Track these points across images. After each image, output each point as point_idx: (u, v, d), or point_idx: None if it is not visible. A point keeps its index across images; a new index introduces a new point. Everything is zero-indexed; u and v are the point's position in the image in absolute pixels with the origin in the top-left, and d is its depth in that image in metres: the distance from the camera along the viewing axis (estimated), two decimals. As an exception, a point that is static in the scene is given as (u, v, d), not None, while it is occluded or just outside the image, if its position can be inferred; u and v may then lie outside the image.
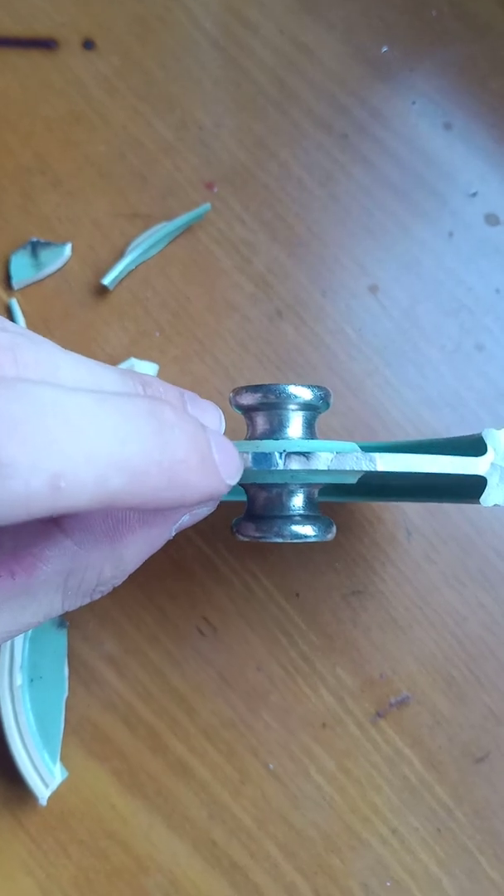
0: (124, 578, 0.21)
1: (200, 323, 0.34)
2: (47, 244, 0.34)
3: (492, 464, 0.23)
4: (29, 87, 0.37)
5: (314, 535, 0.25)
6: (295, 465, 0.22)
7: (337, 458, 0.22)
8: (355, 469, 0.22)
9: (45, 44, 0.37)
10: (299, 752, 0.31)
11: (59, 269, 0.34)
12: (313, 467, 0.22)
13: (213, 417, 0.22)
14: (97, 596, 0.21)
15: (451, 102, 0.37)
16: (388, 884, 0.30)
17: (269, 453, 0.22)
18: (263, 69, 0.37)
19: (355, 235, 0.35)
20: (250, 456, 0.22)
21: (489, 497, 0.23)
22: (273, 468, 0.22)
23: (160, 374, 0.33)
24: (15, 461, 0.15)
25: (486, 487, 0.23)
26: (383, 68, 0.37)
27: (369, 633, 0.32)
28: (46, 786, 0.28)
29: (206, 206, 0.35)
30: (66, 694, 0.30)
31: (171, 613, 0.32)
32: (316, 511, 0.26)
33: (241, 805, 0.30)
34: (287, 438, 0.25)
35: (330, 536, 0.25)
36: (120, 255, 0.34)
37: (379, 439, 0.33)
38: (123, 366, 0.32)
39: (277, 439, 0.25)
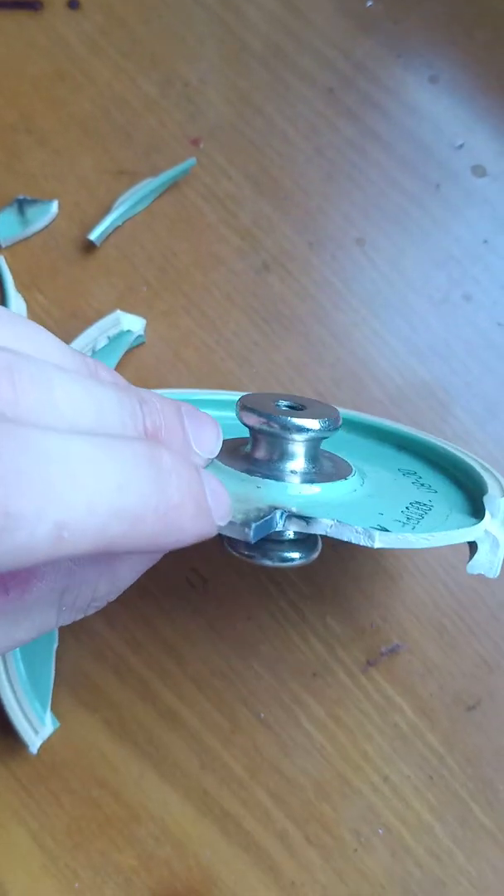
0: (119, 594, 0.21)
1: (187, 277, 0.34)
2: (34, 201, 0.34)
3: (485, 531, 0.23)
4: (14, 47, 0.37)
5: (300, 559, 0.24)
6: (293, 526, 0.22)
7: (336, 526, 0.22)
8: (352, 541, 0.22)
9: (30, 4, 0.37)
10: (290, 701, 0.31)
11: (46, 227, 0.34)
12: (311, 531, 0.22)
13: (210, 434, 0.21)
14: (91, 611, 0.21)
15: (436, 55, 0.37)
16: (381, 831, 0.30)
17: (270, 518, 0.22)
18: (247, 25, 0.37)
19: (341, 188, 0.35)
20: (252, 527, 0.21)
21: (475, 565, 0.22)
22: (272, 529, 0.22)
23: (147, 329, 0.33)
24: (21, 512, 0.15)
25: (476, 554, 0.22)
26: (368, 22, 0.37)
27: (359, 583, 0.31)
28: (37, 734, 0.28)
29: (192, 160, 0.35)
30: (56, 644, 0.30)
31: (160, 564, 0.31)
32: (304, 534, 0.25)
33: (231, 754, 0.30)
34: (289, 473, 0.25)
35: (314, 555, 0.25)
36: (106, 211, 0.34)
37: (367, 390, 0.33)
38: (108, 319, 0.32)
39: (279, 468, 0.25)
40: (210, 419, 0.22)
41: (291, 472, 0.25)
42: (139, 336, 0.33)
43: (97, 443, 0.17)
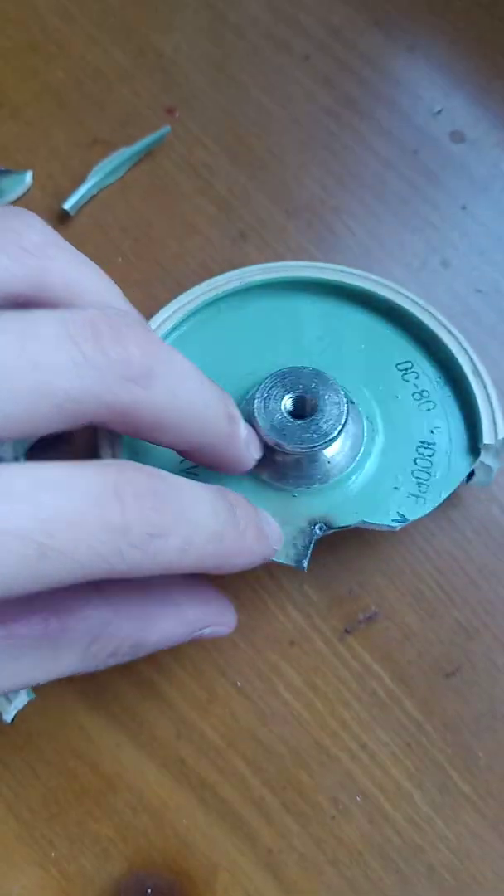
0: (131, 659, 0.24)
1: (163, 247, 0.34)
2: (7, 172, 0.34)
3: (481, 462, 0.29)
4: (-15, 19, 0.36)
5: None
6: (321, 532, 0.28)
7: (362, 524, 0.28)
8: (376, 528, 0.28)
9: (2, -25, 0.37)
10: (267, 669, 0.30)
11: (20, 198, 0.34)
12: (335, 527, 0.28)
13: (274, 533, 0.26)
14: (102, 667, 0.23)
15: (414, 22, 0.36)
16: (358, 798, 0.29)
17: (313, 538, 0.28)
18: (223, -6, 0.37)
19: (318, 156, 0.35)
20: (306, 559, 0.28)
21: (473, 484, 0.29)
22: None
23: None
24: (163, 525, 0.20)
25: (472, 478, 0.29)
26: (344, -11, 0.37)
27: (336, 550, 0.31)
28: (10, 702, 0.28)
29: (166, 128, 0.34)
30: (29, 614, 0.30)
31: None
32: None
33: (209, 723, 0.30)
34: (302, 478, 0.28)
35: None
36: (81, 182, 0.34)
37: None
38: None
39: (294, 482, 0.28)
40: (276, 526, 0.27)
41: (317, 476, 0.28)
42: (114, 306, 0.32)
43: (204, 492, 0.22)
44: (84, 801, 0.30)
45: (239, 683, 0.30)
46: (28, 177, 0.34)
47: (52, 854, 0.29)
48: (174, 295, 0.33)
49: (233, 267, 0.34)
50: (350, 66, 0.36)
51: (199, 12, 0.36)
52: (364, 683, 0.30)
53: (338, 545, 0.31)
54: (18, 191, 0.34)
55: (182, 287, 0.34)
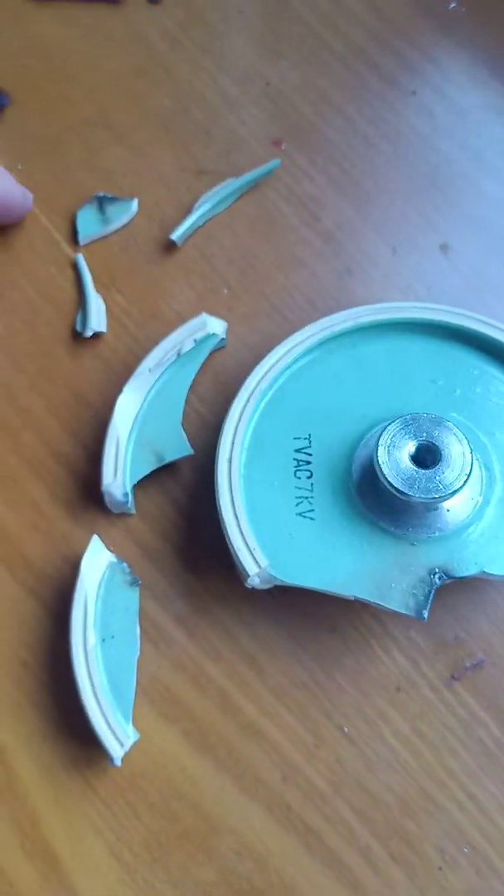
0: None
1: (268, 279, 0.33)
2: (114, 199, 0.33)
3: None
4: (92, 40, 0.36)
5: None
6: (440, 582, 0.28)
7: (481, 574, 0.28)
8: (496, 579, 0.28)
9: (109, -3, 0.36)
10: (373, 714, 0.30)
11: (125, 225, 0.34)
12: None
13: None
14: None
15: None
16: (466, 849, 0.29)
17: (432, 588, 0.28)
18: (327, 23, 0.36)
19: (424, 192, 0.35)
20: (426, 610, 0.28)
21: None
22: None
23: (228, 332, 0.33)
24: None
25: None
26: (450, 23, 0.36)
27: (441, 595, 0.31)
28: (122, 746, 0.28)
29: (276, 161, 0.34)
30: (137, 653, 0.29)
31: (237, 571, 0.31)
32: None
33: (314, 768, 0.30)
34: (422, 526, 0.28)
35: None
36: (186, 211, 0.34)
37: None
38: (195, 322, 0.31)
39: (414, 530, 0.28)
40: None
41: (437, 524, 0.28)
42: (221, 339, 0.32)
43: None
44: (186, 845, 0.29)
45: (346, 728, 0.30)
46: (134, 204, 0.34)
47: (158, 899, 0.28)
48: (280, 328, 0.33)
49: (338, 303, 0.34)
50: (455, 103, 0.35)
51: (306, 40, 0.36)
52: (471, 731, 0.30)
53: (443, 590, 0.31)
54: (124, 219, 0.33)
55: (288, 321, 0.33)
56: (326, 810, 0.29)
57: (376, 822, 0.29)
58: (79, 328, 0.32)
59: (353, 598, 0.27)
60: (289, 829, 0.29)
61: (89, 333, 0.32)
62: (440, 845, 0.29)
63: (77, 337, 0.33)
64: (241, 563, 0.27)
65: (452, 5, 0.36)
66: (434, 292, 0.33)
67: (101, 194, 0.33)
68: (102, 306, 0.33)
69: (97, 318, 0.32)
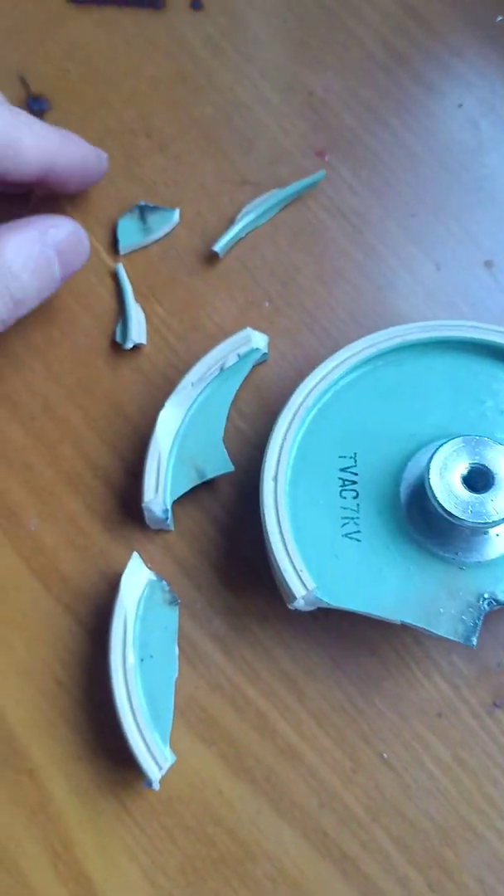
0: (23, 283, 0.27)
1: (310, 293, 0.33)
2: (155, 208, 0.33)
3: None
4: (134, 45, 0.35)
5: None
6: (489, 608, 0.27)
7: None
8: None
9: (152, 3, 0.36)
10: (413, 740, 0.29)
11: (166, 235, 0.33)
12: None
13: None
14: (11, 305, 0.27)
15: None
16: (506, 880, 0.29)
17: (481, 613, 0.27)
18: (372, 33, 0.36)
19: (469, 207, 0.34)
20: (475, 636, 0.27)
21: None
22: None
23: (270, 346, 0.32)
24: None
25: None
26: (497, 35, 0.36)
27: (484, 620, 0.30)
28: (160, 769, 0.27)
29: (321, 173, 0.33)
30: (176, 674, 0.29)
31: (280, 592, 0.30)
32: None
33: (352, 793, 0.29)
34: (471, 551, 0.28)
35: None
36: (228, 221, 0.33)
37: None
38: (239, 336, 0.31)
39: (464, 554, 0.27)
40: None
41: (486, 549, 0.27)
42: (263, 354, 0.31)
43: None
44: (222, 870, 0.29)
45: (385, 755, 0.29)
46: (176, 215, 0.33)
47: (194, 926, 0.28)
48: (322, 343, 0.33)
49: (381, 318, 0.33)
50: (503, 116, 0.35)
51: (350, 50, 0.36)
52: (513, 760, 0.29)
53: (487, 615, 0.30)
54: (165, 228, 0.33)
55: (329, 335, 0.33)
56: (363, 837, 0.29)
57: (414, 850, 0.29)
58: (119, 339, 0.32)
59: (399, 623, 0.27)
60: (325, 855, 0.29)
61: (129, 346, 0.31)
62: (480, 876, 0.29)
63: (116, 348, 0.32)
64: (287, 585, 0.26)
65: (500, 18, 0.36)
66: (478, 310, 0.33)
67: (143, 203, 0.33)
68: (143, 318, 0.32)
69: (137, 330, 0.32)
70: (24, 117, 0.28)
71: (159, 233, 0.33)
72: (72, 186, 0.31)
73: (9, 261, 0.27)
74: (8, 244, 0.27)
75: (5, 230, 0.27)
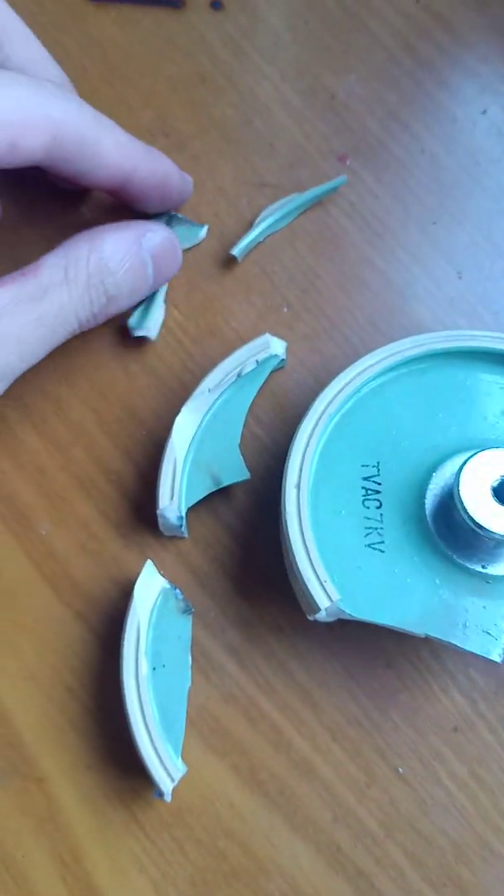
0: (117, 279, 0.28)
1: (330, 299, 0.33)
2: (183, 220, 0.32)
3: None
4: (153, 45, 0.35)
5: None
6: None
7: None
8: None
9: (172, 2, 0.35)
10: (429, 755, 0.29)
11: (191, 248, 0.33)
12: None
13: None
14: (104, 300, 0.28)
15: None
16: (521, 899, 0.28)
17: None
18: (396, 36, 0.36)
19: (492, 215, 0.34)
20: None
21: None
22: None
23: (288, 352, 0.32)
24: None
25: None
26: (522, 41, 0.36)
27: None
28: (172, 780, 0.27)
29: (342, 178, 0.33)
30: (189, 684, 0.29)
31: (297, 604, 0.30)
32: None
33: (367, 808, 0.29)
34: (498, 563, 0.27)
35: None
36: (247, 225, 0.33)
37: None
38: (258, 342, 0.30)
39: (492, 567, 0.27)
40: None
41: None
42: (281, 360, 0.31)
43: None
44: (234, 884, 0.28)
45: (400, 769, 0.29)
46: (203, 231, 0.33)
47: (205, 942, 0.28)
48: (341, 350, 0.32)
49: (402, 326, 0.33)
50: (526, 123, 0.35)
51: (374, 53, 0.35)
52: (529, 777, 0.29)
53: (505, 628, 0.30)
54: (191, 242, 0.32)
55: (349, 342, 0.32)
56: (378, 853, 0.29)
57: (429, 867, 0.28)
58: (132, 324, 0.31)
59: (424, 636, 0.26)
60: (338, 871, 0.28)
61: (139, 333, 0.31)
62: (495, 894, 0.28)
63: (130, 349, 0.32)
64: (311, 596, 0.26)
65: (524, 23, 0.36)
66: (501, 319, 0.33)
67: (173, 213, 0.32)
68: (162, 316, 0.32)
69: (154, 324, 0.31)
70: (108, 122, 0.28)
71: (185, 244, 0.32)
72: (151, 203, 0.31)
73: (106, 257, 0.28)
74: (106, 241, 0.28)
75: (105, 229, 0.28)
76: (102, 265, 0.27)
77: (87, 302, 0.27)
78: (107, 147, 0.28)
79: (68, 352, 0.32)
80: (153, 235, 0.29)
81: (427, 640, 0.29)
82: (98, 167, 0.28)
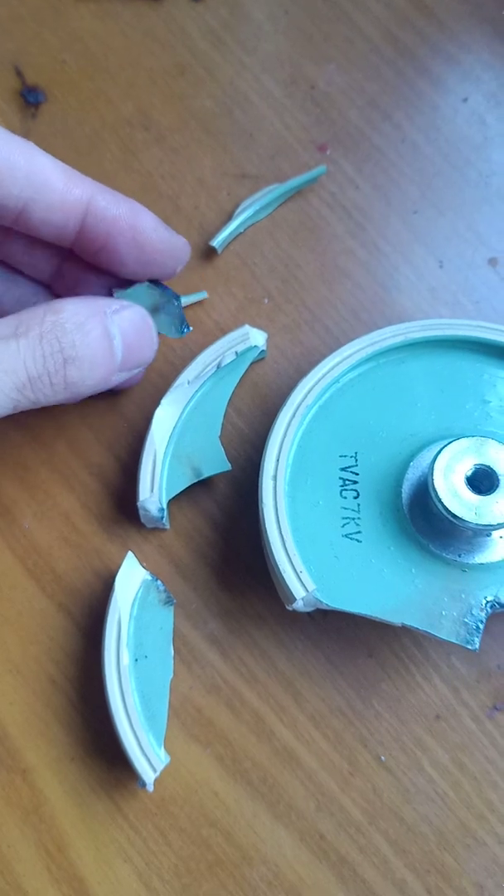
0: (74, 340, 0.26)
1: (310, 290, 0.34)
2: (174, 300, 0.31)
3: None
4: (132, 37, 0.36)
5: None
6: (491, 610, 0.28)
7: None
8: None
9: (151, -8, 0.36)
10: (411, 743, 0.30)
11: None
12: None
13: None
14: (60, 359, 0.26)
15: None
16: (504, 885, 0.29)
17: (485, 617, 0.28)
18: (377, 25, 0.37)
19: (473, 203, 0.35)
20: (478, 639, 0.27)
21: None
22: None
23: (269, 343, 0.33)
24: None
25: None
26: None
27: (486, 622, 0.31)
28: (155, 771, 0.28)
29: (322, 168, 0.34)
30: (171, 674, 0.30)
31: (279, 593, 0.31)
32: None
33: (350, 797, 0.30)
34: (473, 552, 0.28)
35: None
36: (227, 216, 0.34)
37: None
38: (237, 333, 0.31)
39: (466, 556, 0.28)
40: None
41: (489, 551, 0.28)
42: (262, 351, 0.32)
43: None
44: (217, 873, 0.29)
45: (383, 758, 0.30)
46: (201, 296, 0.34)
47: (188, 929, 0.29)
48: (322, 341, 0.33)
49: (383, 316, 0.34)
50: (508, 110, 0.36)
51: (355, 43, 0.36)
52: (512, 764, 0.30)
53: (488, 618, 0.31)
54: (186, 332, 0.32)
55: (330, 333, 0.33)
56: (361, 841, 0.30)
57: (412, 854, 0.30)
58: None
59: (400, 625, 0.27)
60: (322, 859, 0.30)
61: None
62: (478, 881, 0.29)
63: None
64: (286, 586, 0.27)
65: (505, 10, 0.37)
66: (482, 308, 0.34)
67: (167, 289, 0.32)
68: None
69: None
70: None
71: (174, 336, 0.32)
72: (127, 258, 0.28)
73: (63, 319, 0.26)
74: (66, 305, 0.26)
75: (67, 298, 0.27)
76: (58, 325, 0.26)
77: (38, 355, 0.25)
78: (49, 170, 0.27)
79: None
80: (122, 309, 0.27)
81: (409, 630, 0.30)
82: (42, 195, 0.27)
